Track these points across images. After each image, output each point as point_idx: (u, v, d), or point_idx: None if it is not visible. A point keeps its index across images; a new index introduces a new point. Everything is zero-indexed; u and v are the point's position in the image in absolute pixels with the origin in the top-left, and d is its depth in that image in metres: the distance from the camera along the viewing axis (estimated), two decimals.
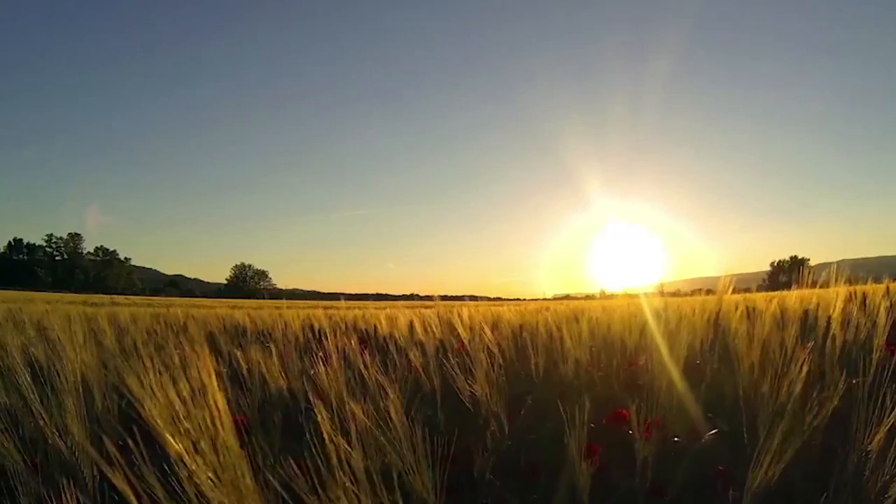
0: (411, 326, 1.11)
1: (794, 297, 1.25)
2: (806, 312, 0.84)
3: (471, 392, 0.65)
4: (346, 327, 1.41)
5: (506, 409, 0.68)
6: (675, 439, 0.65)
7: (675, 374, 0.69)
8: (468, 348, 0.83)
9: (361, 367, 0.65)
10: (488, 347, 0.85)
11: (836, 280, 1.09)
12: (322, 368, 0.58)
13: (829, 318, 0.81)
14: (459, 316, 1.21)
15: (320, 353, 0.98)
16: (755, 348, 0.57)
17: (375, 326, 1.23)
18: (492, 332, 0.94)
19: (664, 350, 0.81)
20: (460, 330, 0.94)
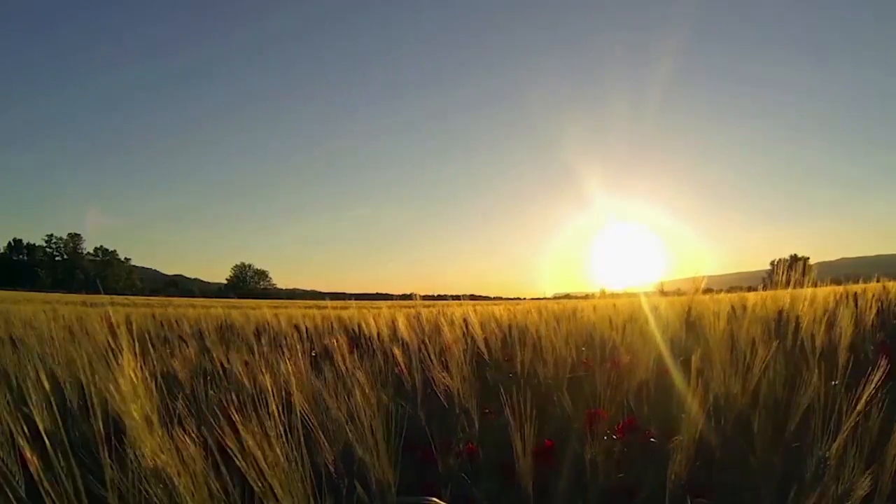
0: (400, 326, 1.11)
1: (786, 297, 1.25)
2: (780, 313, 0.84)
3: (447, 391, 0.66)
4: (335, 327, 1.41)
5: (490, 407, 0.68)
6: (652, 440, 0.66)
7: (653, 374, 0.69)
8: (454, 349, 0.84)
9: (345, 366, 0.65)
10: (475, 347, 0.85)
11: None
12: (297, 367, 0.58)
13: (806, 320, 0.81)
14: (453, 316, 1.21)
15: (312, 353, 0.98)
16: (728, 349, 0.58)
17: (360, 325, 1.23)
18: (482, 331, 0.95)
19: (664, 351, 0.81)
20: (446, 330, 0.94)
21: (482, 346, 0.93)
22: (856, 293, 1.48)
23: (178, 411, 0.46)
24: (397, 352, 0.81)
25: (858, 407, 0.42)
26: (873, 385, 0.42)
